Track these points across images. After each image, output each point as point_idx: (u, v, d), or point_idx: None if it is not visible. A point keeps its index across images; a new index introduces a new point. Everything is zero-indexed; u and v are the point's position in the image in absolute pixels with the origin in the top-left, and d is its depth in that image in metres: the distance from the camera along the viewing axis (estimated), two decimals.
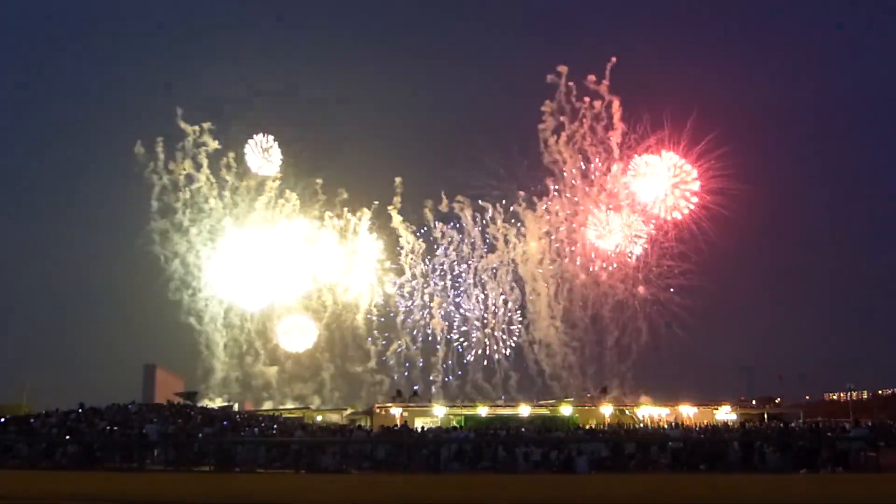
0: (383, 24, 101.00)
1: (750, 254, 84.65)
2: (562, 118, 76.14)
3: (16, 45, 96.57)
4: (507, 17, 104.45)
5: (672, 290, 74.96)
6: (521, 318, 77.31)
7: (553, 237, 77.61)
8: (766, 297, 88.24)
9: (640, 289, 75.78)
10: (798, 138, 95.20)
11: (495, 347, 76.64)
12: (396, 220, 77.25)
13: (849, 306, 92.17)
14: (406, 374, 76.24)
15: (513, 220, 77.63)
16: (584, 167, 76.78)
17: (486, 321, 77.38)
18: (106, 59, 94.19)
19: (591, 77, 75.55)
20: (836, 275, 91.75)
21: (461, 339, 77.20)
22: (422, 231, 78.01)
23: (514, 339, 76.70)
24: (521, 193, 77.23)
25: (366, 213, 77.46)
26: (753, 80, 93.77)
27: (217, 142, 74.44)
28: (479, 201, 77.26)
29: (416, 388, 73.84)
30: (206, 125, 74.14)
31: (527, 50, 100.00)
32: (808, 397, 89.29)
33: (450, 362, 76.04)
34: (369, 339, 76.46)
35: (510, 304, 77.57)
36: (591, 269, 76.69)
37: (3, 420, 37.59)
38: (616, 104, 75.38)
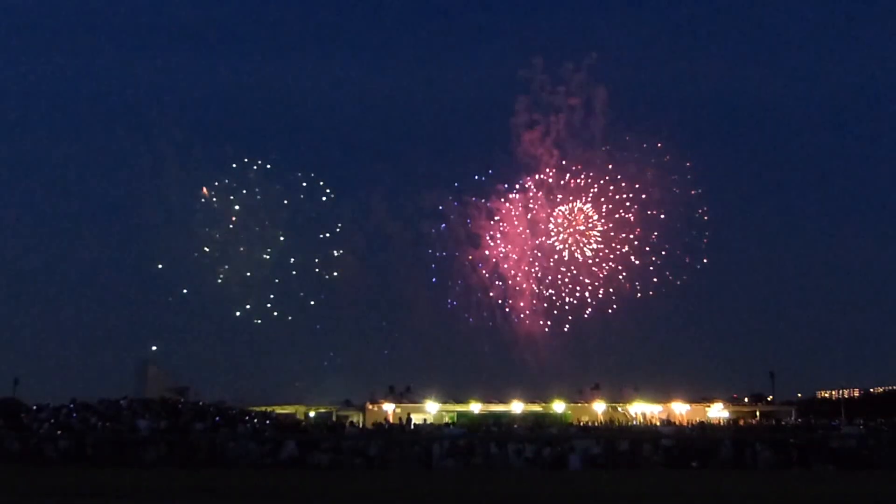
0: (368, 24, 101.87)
1: (740, 250, 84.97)
2: (534, 116, 76.44)
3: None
4: (483, 13, 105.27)
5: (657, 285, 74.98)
6: (504, 314, 77.38)
7: (532, 232, 77.57)
8: (757, 295, 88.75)
9: (626, 285, 75.70)
10: (798, 133, 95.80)
11: (482, 342, 76.74)
12: (379, 209, 77.07)
13: (841, 305, 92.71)
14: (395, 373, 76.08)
15: (493, 216, 77.64)
16: (561, 160, 76.80)
17: (469, 316, 77.42)
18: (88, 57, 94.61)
19: (569, 65, 75.74)
20: (829, 273, 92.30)
21: (448, 333, 77.25)
22: (404, 224, 77.92)
23: (500, 334, 76.71)
24: (503, 187, 77.34)
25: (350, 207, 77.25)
26: (737, 75, 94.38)
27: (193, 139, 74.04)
28: (462, 196, 77.28)
29: (408, 384, 73.79)
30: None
31: (506, 43, 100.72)
32: (799, 395, 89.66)
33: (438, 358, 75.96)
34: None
35: (493, 299, 77.61)
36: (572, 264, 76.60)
37: None
38: (600, 94, 75.50)
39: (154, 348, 68.34)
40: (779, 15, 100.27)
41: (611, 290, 75.36)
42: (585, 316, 75.44)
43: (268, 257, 74.40)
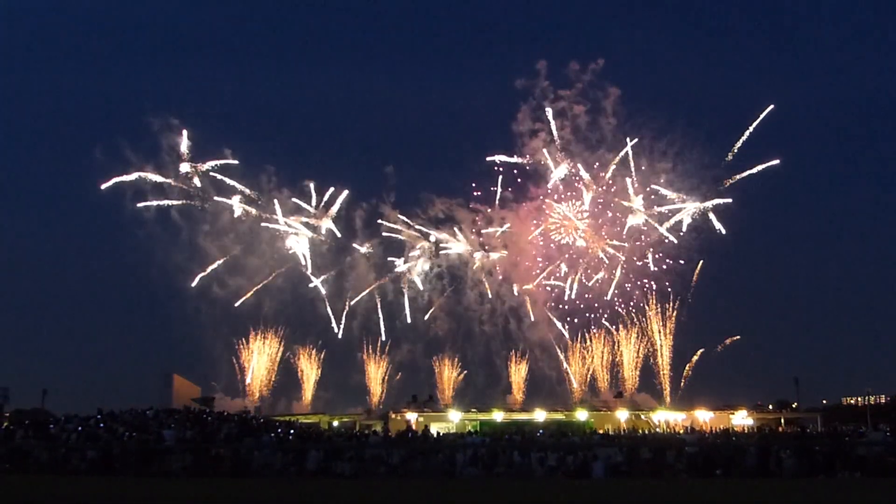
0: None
1: (764, 255, 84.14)
2: (537, 124, 76.41)
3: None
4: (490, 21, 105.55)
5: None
6: (518, 322, 77.19)
7: (543, 238, 77.31)
8: (782, 301, 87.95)
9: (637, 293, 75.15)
10: (815, 137, 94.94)
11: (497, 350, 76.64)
12: (392, 217, 77.36)
13: (866, 311, 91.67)
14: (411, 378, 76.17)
15: (499, 225, 77.47)
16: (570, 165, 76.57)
17: (482, 323, 77.32)
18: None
19: (575, 66, 75.64)
20: (854, 279, 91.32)
21: (465, 342, 77.22)
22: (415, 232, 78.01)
23: (516, 342, 76.51)
24: (508, 194, 77.21)
25: (360, 213, 77.77)
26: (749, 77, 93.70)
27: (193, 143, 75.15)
28: (470, 205, 77.29)
29: (430, 393, 73.90)
30: (175, 121, 75.14)
31: (513, 51, 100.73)
32: (825, 402, 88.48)
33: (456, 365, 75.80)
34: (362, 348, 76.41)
35: (507, 307, 77.48)
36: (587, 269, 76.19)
37: (24, 425, 37.94)
38: (612, 95, 75.30)
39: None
40: (791, 16, 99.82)
41: (628, 296, 75.19)
42: (604, 322, 75.25)
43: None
